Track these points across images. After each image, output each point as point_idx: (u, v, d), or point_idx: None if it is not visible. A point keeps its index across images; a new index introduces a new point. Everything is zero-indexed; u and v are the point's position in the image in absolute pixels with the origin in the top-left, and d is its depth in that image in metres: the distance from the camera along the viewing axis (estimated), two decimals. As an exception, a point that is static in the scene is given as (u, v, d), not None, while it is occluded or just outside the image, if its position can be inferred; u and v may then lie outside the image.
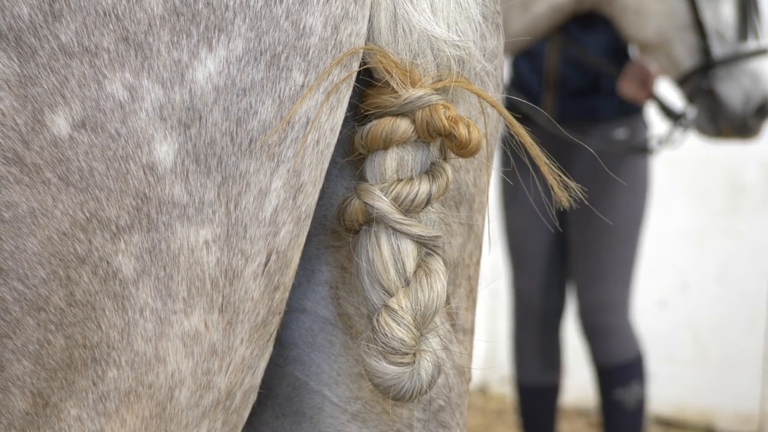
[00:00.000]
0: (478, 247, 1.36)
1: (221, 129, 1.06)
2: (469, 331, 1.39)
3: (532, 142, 1.22)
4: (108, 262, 1.04)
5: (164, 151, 1.04)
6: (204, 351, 1.11)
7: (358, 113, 1.21)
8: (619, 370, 4.32)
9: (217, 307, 1.10)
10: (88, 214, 1.02)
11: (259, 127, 1.08)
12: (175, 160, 1.04)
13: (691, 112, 4.03)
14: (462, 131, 1.18)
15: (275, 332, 1.20)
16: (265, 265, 1.13)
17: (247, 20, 1.06)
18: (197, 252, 1.07)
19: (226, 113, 1.06)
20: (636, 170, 4.27)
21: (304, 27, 1.09)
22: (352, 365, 1.30)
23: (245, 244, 1.10)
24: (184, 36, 1.03)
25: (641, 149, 4.23)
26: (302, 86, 1.10)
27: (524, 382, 4.64)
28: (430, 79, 1.19)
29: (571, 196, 1.24)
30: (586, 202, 1.28)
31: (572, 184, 1.24)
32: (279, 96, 1.09)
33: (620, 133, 4.28)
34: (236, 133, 1.07)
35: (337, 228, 1.24)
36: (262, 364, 1.20)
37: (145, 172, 1.03)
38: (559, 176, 1.23)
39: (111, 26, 1.01)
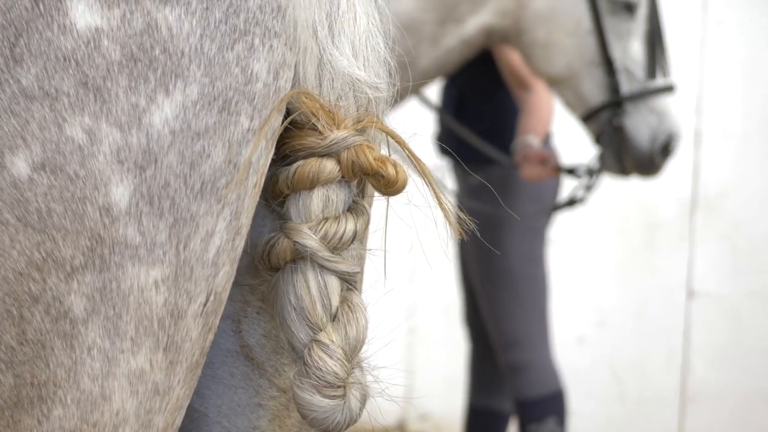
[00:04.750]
0: (362, 280, 1.40)
1: (175, 172, 1.08)
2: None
3: (433, 179, 1.27)
4: (60, 302, 1.05)
5: (120, 192, 1.05)
6: (148, 390, 1.13)
7: (280, 154, 1.24)
8: (532, 406, 4.32)
9: (162, 346, 1.12)
10: (44, 254, 1.03)
11: (211, 170, 1.10)
12: (130, 201, 1.06)
13: (594, 162, 4.07)
14: (390, 170, 1.23)
15: (200, 373, 1.22)
16: (204, 305, 1.15)
17: (201, 66, 1.08)
18: (146, 292, 1.09)
19: (181, 156, 1.08)
20: (526, 204, 4.32)
21: (251, 73, 1.12)
22: (251, 395, 1.33)
23: (190, 285, 1.12)
24: (142, 81, 1.05)
25: (569, 203, 4.27)
26: (248, 130, 1.13)
27: (476, 405, 4.65)
28: (352, 120, 1.23)
29: (464, 230, 1.29)
30: (474, 239, 1.33)
31: (464, 217, 1.29)
32: (228, 140, 1.11)
33: (473, 179, 4.32)
34: (189, 175, 1.09)
35: (257, 266, 1.27)
36: (187, 405, 1.22)
37: (101, 214, 1.05)
38: (456, 209, 1.28)
39: (71, 71, 1.03)
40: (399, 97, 3.84)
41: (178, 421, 1.21)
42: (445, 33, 3.81)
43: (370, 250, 1.36)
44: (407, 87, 3.69)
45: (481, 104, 4.45)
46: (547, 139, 4.36)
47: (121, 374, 1.10)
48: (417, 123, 4.18)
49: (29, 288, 1.03)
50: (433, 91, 4.61)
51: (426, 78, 3.92)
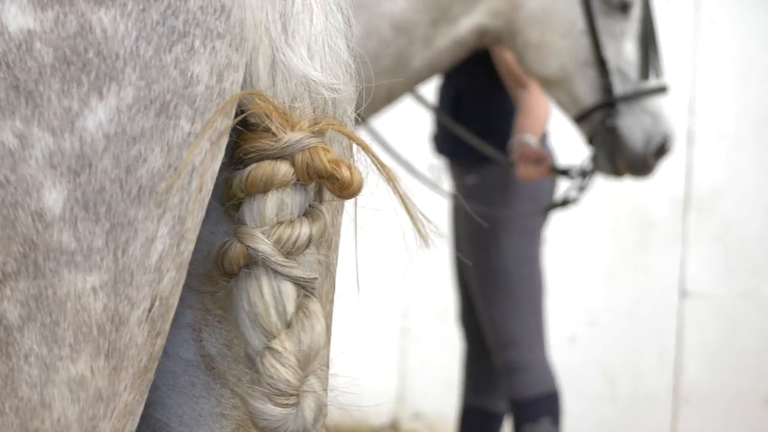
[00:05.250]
0: (333, 286, 1.38)
1: (111, 176, 1.06)
2: (326, 366, 1.42)
3: (398, 184, 1.25)
4: None
5: (53, 198, 1.04)
6: (90, 396, 1.11)
7: (234, 157, 1.22)
8: (526, 406, 4.32)
9: (103, 352, 1.10)
10: None
11: (148, 174, 1.08)
12: (63, 207, 1.04)
13: (587, 162, 4.06)
14: (345, 173, 1.21)
15: (152, 379, 1.20)
16: (149, 311, 1.13)
17: (137, 69, 1.07)
18: (84, 298, 1.07)
19: (116, 161, 1.06)
20: (523, 204, 4.32)
21: (191, 75, 1.10)
22: (213, 405, 1.31)
23: (131, 291, 1.10)
24: (75, 84, 1.04)
25: (562, 203, 4.27)
26: (189, 134, 1.11)
27: (470, 405, 4.65)
28: (307, 122, 1.21)
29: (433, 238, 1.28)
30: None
31: (431, 224, 1.27)
32: (168, 144, 1.09)
33: (470, 179, 4.33)
34: (126, 180, 1.07)
35: (212, 272, 1.25)
36: (140, 411, 1.20)
37: (33, 219, 1.03)
38: (422, 217, 1.26)
39: (1, 74, 1.01)
40: (392, 98, 3.82)
41: (130, 427, 1.19)
42: (438, 34, 3.80)
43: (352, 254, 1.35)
44: (400, 88, 3.68)
45: (478, 104, 4.45)
46: (543, 139, 4.35)
47: (61, 381, 1.08)
48: (412, 122, 4.18)
49: None
50: (429, 89, 4.61)
51: (418, 78, 3.92)
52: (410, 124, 4.25)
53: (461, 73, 4.29)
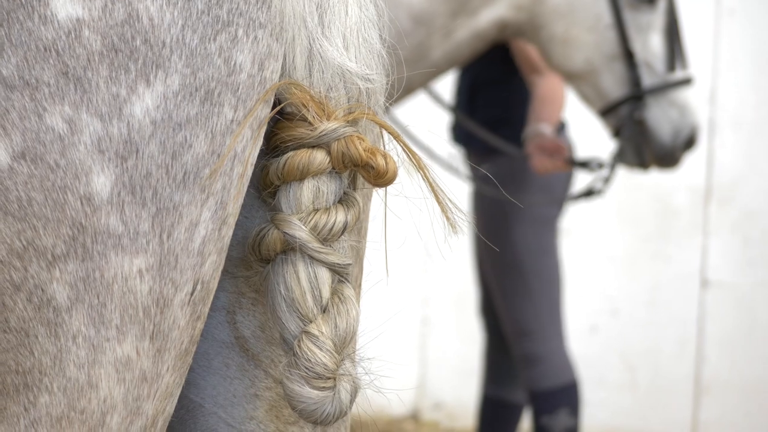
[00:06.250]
0: (362, 271, 1.40)
1: (157, 162, 1.09)
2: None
3: (428, 172, 1.28)
4: (43, 290, 1.06)
5: (101, 182, 1.06)
6: (135, 377, 1.14)
7: (270, 146, 1.25)
8: (544, 397, 4.30)
9: (148, 334, 1.13)
10: (24, 243, 1.04)
11: (193, 160, 1.11)
12: (111, 191, 1.07)
13: (610, 155, 4.05)
14: (380, 161, 1.24)
15: (191, 361, 1.23)
16: (191, 294, 1.16)
17: (183, 57, 1.09)
18: (131, 281, 1.10)
19: (162, 146, 1.09)
20: (536, 194, 4.32)
21: (234, 64, 1.13)
22: (247, 386, 1.34)
23: (176, 274, 1.13)
24: (123, 71, 1.06)
25: (586, 194, 4.26)
26: (232, 121, 1.14)
27: (490, 395, 4.65)
28: (342, 111, 1.24)
29: (463, 224, 1.30)
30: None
31: (461, 212, 1.29)
32: (212, 131, 1.12)
33: (484, 169, 4.31)
34: (171, 165, 1.10)
35: (249, 257, 1.27)
36: (178, 393, 1.23)
37: (82, 203, 1.06)
38: (452, 204, 1.28)
39: (51, 61, 1.04)
40: (411, 89, 3.79)
41: (170, 409, 1.22)
42: (457, 26, 3.79)
43: (376, 242, 1.37)
44: (416, 79, 3.65)
45: (494, 92, 4.44)
46: (561, 129, 4.34)
47: (107, 362, 1.11)
48: (429, 113, 4.17)
49: (10, 276, 1.04)
50: (445, 83, 4.60)
51: (436, 71, 3.91)
52: (429, 114, 4.26)
53: (478, 60, 4.28)
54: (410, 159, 1.27)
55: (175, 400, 1.23)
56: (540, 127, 4.18)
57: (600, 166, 4.13)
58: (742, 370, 6.10)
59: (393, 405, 6.32)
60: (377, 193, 1.35)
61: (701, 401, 6.16)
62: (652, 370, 6.25)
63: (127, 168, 1.07)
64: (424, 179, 1.27)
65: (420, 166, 1.27)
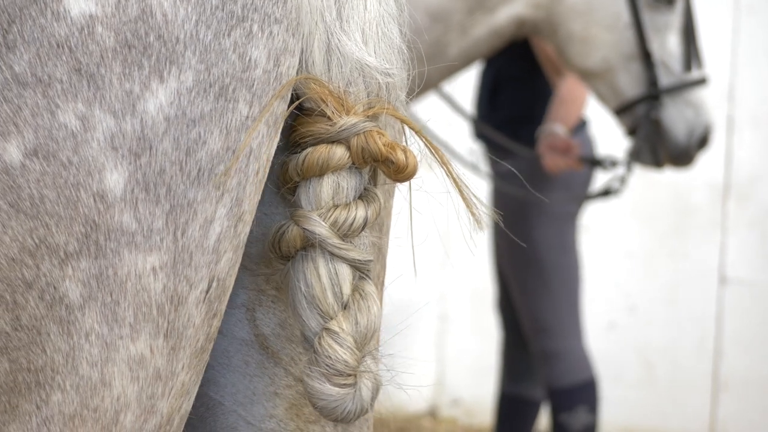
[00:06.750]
0: (384, 268, 1.40)
1: (171, 158, 1.08)
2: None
3: (451, 167, 1.26)
4: (55, 288, 1.05)
5: (114, 179, 1.05)
6: (149, 376, 1.13)
7: (290, 141, 1.24)
8: (563, 395, 4.31)
9: (162, 332, 1.12)
10: (37, 241, 1.03)
11: (207, 156, 1.10)
12: (125, 188, 1.06)
13: (624, 154, 4.05)
14: (400, 156, 1.23)
15: (207, 359, 1.22)
16: (207, 292, 1.15)
17: (197, 53, 1.08)
18: (144, 278, 1.09)
19: (176, 143, 1.08)
20: (555, 191, 4.31)
21: (249, 60, 1.12)
22: (267, 384, 1.33)
23: (190, 272, 1.12)
24: (136, 68, 1.05)
25: (603, 193, 4.25)
26: (247, 117, 1.13)
27: (507, 392, 4.65)
28: (362, 106, 1.23)
29: (487, 220, 1.29)
30: (503, 227, 1.32)
31: (485, 207, 1.28)
32: (226, 127, 1.11)
33: (504, 165, 4.29)
34: (185, 162, 1.09)
35: (269, 254, 1.26)
36: (195, 391, 1.22)
37: (95, 200, 1.05)
38: (476, 200, 1.27)
39: (64, 58, 1.03)
40: (428, 86, 3.78)
41: (186, 407, 1.21)
42: (475, 22, 3.78)
43: (399, 237, 1.36)
44: (433, 75, 3.63)
45: (517, 88, 4.44)
46: (581, 127, 4.34)
47: (121, 360, 1.10)
48: (449, 109, 4.14)
49: (22, 274, 1.04)
50: (465, 79, 4.59)
51: (453, 67, 3.91)
52: (449, 110, 4.26)
53: (502, 55, 4.27)
54: (433, 154, 1.26)
55: (192, 398, 1.22)
56: (552, 127, 4.18)
57: (614, 164, 4.13)
58: (760, 367, 6.09)
59: (411, 402, 6.33)
60: (399, 190, 1.34)
61: (719, 398, 6.15)
62: (670, 367, 6.23)
63: (140, 165, 1.06)
64: (447, 175, 1.26)
65: (443, 162, 1.26)
